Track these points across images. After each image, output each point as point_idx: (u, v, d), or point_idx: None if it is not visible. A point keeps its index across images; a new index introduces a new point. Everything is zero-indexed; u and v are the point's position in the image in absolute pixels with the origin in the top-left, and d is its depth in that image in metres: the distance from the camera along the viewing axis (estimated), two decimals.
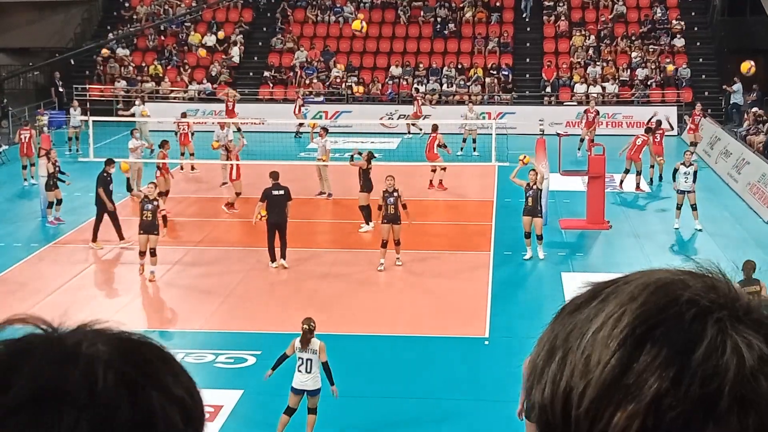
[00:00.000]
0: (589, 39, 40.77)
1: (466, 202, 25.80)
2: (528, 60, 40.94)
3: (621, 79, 38.93)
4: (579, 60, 39.86)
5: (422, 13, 42.64)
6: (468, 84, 39.09)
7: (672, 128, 31.22)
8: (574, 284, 18.07)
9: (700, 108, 32.90)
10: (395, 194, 19.85)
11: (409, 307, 17.82)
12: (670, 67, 38.38)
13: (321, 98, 38.84)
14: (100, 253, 21.10)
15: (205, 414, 1.07)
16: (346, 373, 14.11)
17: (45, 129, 30.34)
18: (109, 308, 16.78)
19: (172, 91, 39.70)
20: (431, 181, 26.64)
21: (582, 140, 31.23)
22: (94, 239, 21.24)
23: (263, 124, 31.24)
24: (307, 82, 39.40)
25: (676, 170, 22.78)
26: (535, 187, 20.19)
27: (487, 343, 16.03)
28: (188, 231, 23.01)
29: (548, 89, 38.97)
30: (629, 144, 26.96)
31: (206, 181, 27.94)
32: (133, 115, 32.55)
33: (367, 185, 22.64)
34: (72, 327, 1.04)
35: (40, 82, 42.20)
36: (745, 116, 33.72)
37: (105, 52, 39.08)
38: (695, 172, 22.67)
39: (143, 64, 40.98)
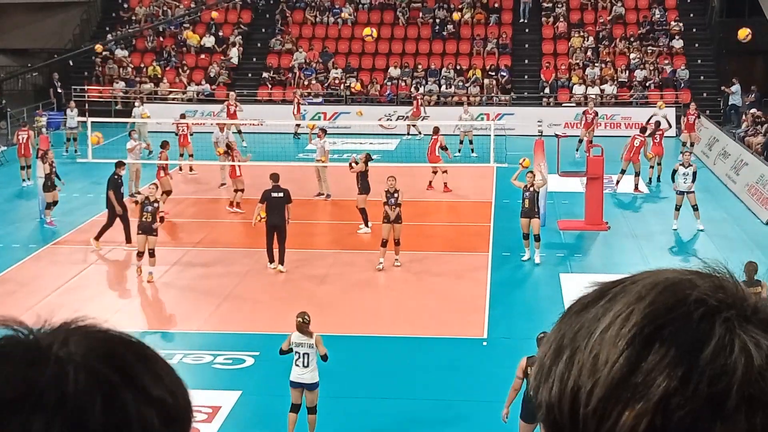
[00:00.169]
0: (587, 40, 40.78)
1: (464, 203, 25.80)
2: (526, 61, 40.94)
3: (619, 80, 38.94)
4: (577, 61, 39.87)
5: (421, 14, 42.65)
6: (466, 85, 39.09)
7: (670, 126, 31.16)
8: (572, 285, 18.15)
9: (694, 108, 32.91)
10: (396, 194, 19.88)
11: (407, 308, 17.81)
12: (665, 73, 38.37)
13: (320, 99, 38.83)
14: (99, 254, 21.06)
15: (192, 414, 1.04)
16: (344, 373, 14.12)
17: (43, 130, 30.32)
18: (107, 309, 16.76)
19: (170, 92, 39.69)
20: (430, 182, 26.64)
21: (580, 141, 31.23)
22: (97, 238, 21.11)
23: (262, 125, 31.22)
24: (306, 83, 39.40)
25: (675, 171, 22.80)
26: (531, 189, 20.19)
27: (485, 344, 16.03)
28: (187, 232, 23.01)
29: (547, 90, 38.97)
30: (627, 145, 26.99)
31: (205, 182, 27.93)
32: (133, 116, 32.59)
33: (365, 187, 22.65)
34: (53, 327, 1.02)
35: (38, 83, 42.19)
36: (744, 117, 33.73)
37: (99, 48, 38.96)
38: (694, 173, 22.69)
39: (142, 65, 40.98)
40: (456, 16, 41.80)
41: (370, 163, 23.21)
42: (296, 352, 12.38)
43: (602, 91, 38.47)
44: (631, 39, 40.52)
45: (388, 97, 38.76)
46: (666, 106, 33.11)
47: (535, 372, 1.02)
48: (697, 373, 0.92)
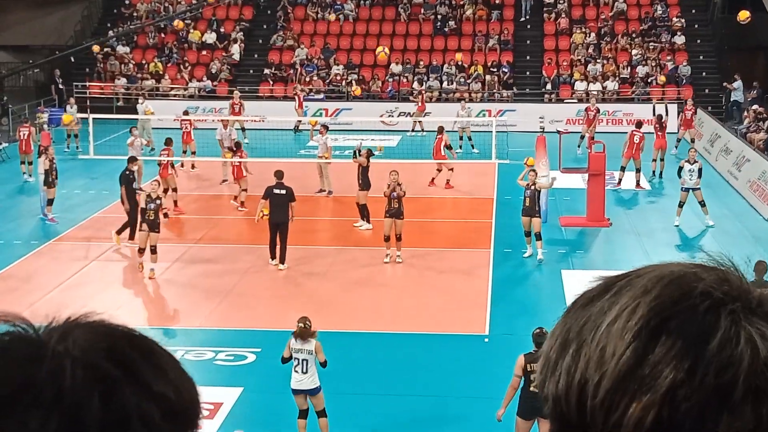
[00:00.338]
0: (589, 36, 40.74)
1: (466, 199, 25.80)
2: (528, 57, 40.91)
3: (621, 76, 38.91)
4: (579, 57, 39.83)
5: (422, 10, 42.62)
6: (468, 81, 39.07)
7: (668, 114, 30.98)
8: (574, 281, 18.15)
9: (691, 103, 32.89)
10: (398, 189, 19.88)
11: (408, 305, 17.81)
12: (662, 78, 38.21)
13: (321, 96, 38.82)
14: (99, 250, 21.06)
15: (200, 410, 1.03)
16: (345, 370, 14.12)
17: (45, 126, 30.32)
18: (108, 306, 16.76)
19: (172, 88, 39.68)
20: (433, 179, 26.60)
21: (582, 137, 31.22)
22: (119, 231, 21.07)
23: (263, 121, 31.22)
24: (308, 79, 39.39)
25: (681, 168, 22.79)
26: (533, 187, 20.14)
27: (487, 340, 16.04)
28: (188, 228, 23.01)
29: (548, 87, 38.94)
30: (626, 142, 26.93)
31: (206, 179, 27.93)
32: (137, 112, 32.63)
33: (366, 183, 22.64)
34: (59, 323, 1.01)
35: (40, 80, 42.19)
36: (745, 114, 33.69)
37: (96, 48, 38.93)
38: (700, 169, 22.71)
39: (143, 62, 40.97)
40: (467, 9, 41.71)
41: (371, 159, 23.22)
42: (295, 358, 12.29)
43: (604, 87, 38.44)
44: (633, 35, 40.48)
45: (390, 93, 38.74)
46: (667, 103, 33.11)
47: (541, 366, 1.02)
48: (704, 365, 0.92)
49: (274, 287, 19.07)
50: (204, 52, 41.37)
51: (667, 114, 30.12)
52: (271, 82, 39.74)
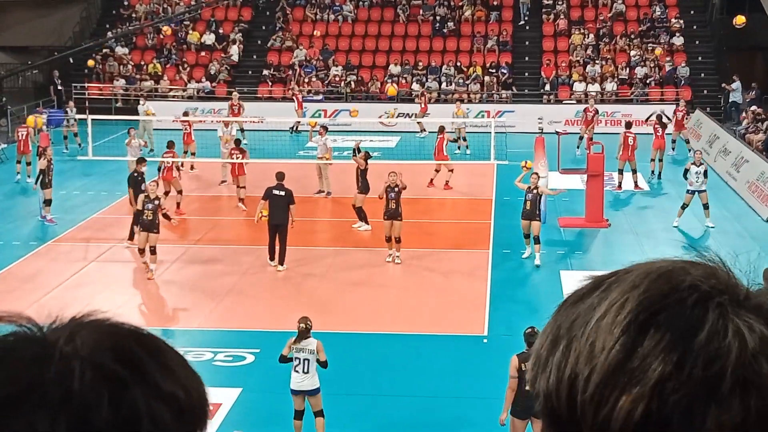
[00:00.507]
0: (588, 37, 40.75)
1: (464, 200, 25.81)
2: (527, 58, 40.93)
3: (620, 77, 38.92)
4: (578, 58, 39.84)
5: (421, 11, 42.63)
6: (467, 83, 39.08)
7: (670, 121, 30.97)
8: (573, 282, 18.00)
9: (683, 104, 32.91)
10: (396, 189, 19.90)
11: (407, 305, 17.82)
12: (658, 51, 38.31)
13: (320, 97, 38.82)
14: (98, 250, 21.05)
15: (208, 408, 1.02)
16: (344, 371, 14.12)
17: (44, 127, 30.29)
18: (107, 306, 16.65)
19: (171, 89, 39.67)
20: (432, 179, 26.59)
21: (581, 138, 31.23)
22: (131, 236, 20.89)
23: (262, 122, 31.23)
24: (306, 80, 39.38)
25: (687, 170, 22.79)
26: (535, 191, 20.08)
27: (485, 341, 16.04)
28: (187, 229, 23.00)
29: (547, 88, 38.95)
30: (621, 144, 26.83)
31: (206, 180, 27.92)
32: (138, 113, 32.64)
33: (364, 186, 22.63)
34: (63, 322, 1.00)
35: (38, 81, 42.17)
36: (744, 114, 33.71)
37: (91, 63, 38.83)
38: (705, 171, 22.78)
39: (142, 63, 40.96)
40: (466, 10, 41.72)
41: (369, 161, 23.23)
42: (296, 358, 12.23)
43: (603, 88, 38.45)
44: (632, 36, 40.50)
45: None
46: (666, 104, 33.15)
47: (532, 363, 1.03)
48: (692, 358, 0.93)
49: (274, 288, 19.08)
50: (203, 53, 41.37)
51: (669, 120, 30.20)
52: (270, 83, 39.74)
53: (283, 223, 19.49)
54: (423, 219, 22.96)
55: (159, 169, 24.28)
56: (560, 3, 42.20)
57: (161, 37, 40.78)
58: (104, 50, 40.81)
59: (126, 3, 43.78)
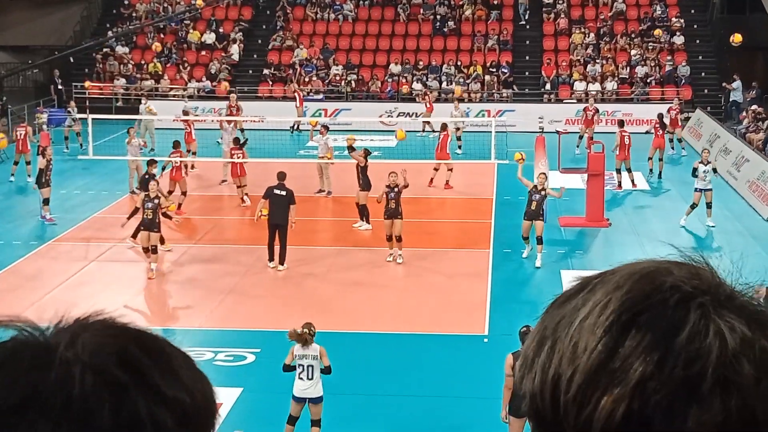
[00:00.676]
0: (588, 37, 40.75)
1: (465, 199, 25.81)
2: (527, 58, 40.92)
3: (620, 76, 38.92)
4: (578, 58, 39.84)
5: (422, 10, 42.63)
6: (467, 82, 39.07)
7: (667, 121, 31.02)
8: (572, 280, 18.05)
9: (677, 103, 32.91)
10: (396, 189, 19.90)
11: (408, 305, 17.82)
12: (658, 32, 38.36)
13: (320, 96, 38.82)
14: (99, 250, 21.04)
15: (216, 411, 1.00)
16: (344, 370, 14.11)
17: (44, 127, 30.29)
18: (108, 306, 16.64)
19: (171, 88, 39.67)
20: (432, 179, 26.59)
21: (581, 137, 31.24)
22: (163, 242, 20.44)
23: (262, 121, 31.23)
24: (307, 79, 39.39)
25: (695, 169, 22.79)
26: (543, 192, 20.01)
27: (486, 340, 16.04)
28: (188, 228, 22.99)
29: (548, 87, 38.95)
30: (618, 142, 26.72)
31: (206, 179, 27.92)
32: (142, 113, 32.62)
33: (366, 183, 22.65)
34: (66, 324, 0.99)
35: (39, 80, 42.17)
36: (744, 114, 33.70)
37: (87, 85, 38.75)
38: (714, 170, 22.81)
39: (142, 62, 40.96)
40: (467, 9, 41.72)
41: (369, 159, 23.23)
42: (299, 365, 12.06)
43: (603, 87, 38.45)
44: (632, 35, 40.49)
45: (389, 93, 38.75)
46: (666, 103, 33.17)
47: (520, 364, 1.04)
48: (673, 357, 0.93)
49: (274, 287, 19.08)
50: (203, 53, 41.36)
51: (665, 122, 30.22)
52: (271, 83, 39.75)
53: (283, 222, 19.47)
54: (423, 219, 22.95)
55: (163, 168, 24.26)
56: (561, 2, 42.20)
57: (173, 28, 40.66)
58: (105, 49, 40.80)
59: (126, 2, 43.78)
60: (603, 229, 22.46)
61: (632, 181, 26.80)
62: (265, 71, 40.14)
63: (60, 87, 39.06)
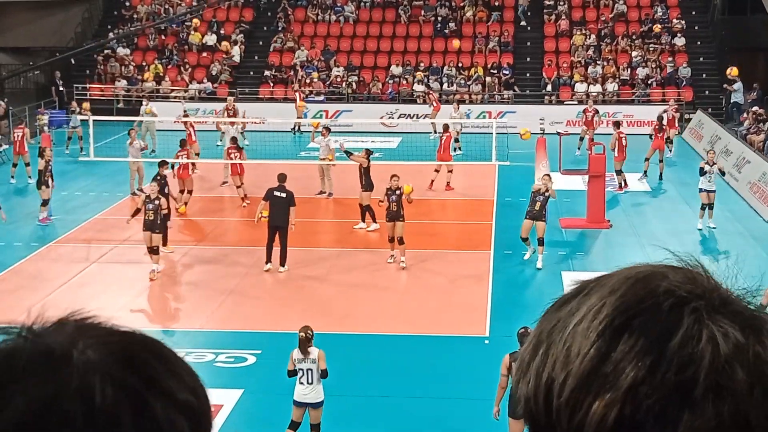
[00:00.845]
0: (589, 38, 40.76)
1: (466, 201, 25.80)
2: (528, 59, 40.92)
3: (621, 78, 38.92)
4: (580, 59, 39.85)
5: (423, 12, 42.64)
6: (468, 83, 39.08)
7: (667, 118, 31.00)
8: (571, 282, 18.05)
9: (673, 104, 32.88)
10: (398, 192, 19.90)
11: (409, 306, 17.82)
12: (656, 28, 38.37)
13: (321, 97, 38.83)
14: (100, 251, 21.05)
15: (212, 409, 1.01)
16: (345, 372, 14.12)
17: (45, 128, 30.29)
18: (109, 307, 16.76)
19: (172, 90, 39.69)
20: (432, 181, 26.55)
21: (581, 139, 31.23)
22: (165, 243, 20.37)
23: (263, 123, 31.23)
24: (308, 81, 39.40)
25: (702, 169, 22.78)
26: (546, 193, 20.00)
27: (487, 342, 16.04)
28: (189, 230, 23.01)
29: (549, 88, 38.96)
30: (616, 144, 26.65)
31: (207, 180, 27.91)
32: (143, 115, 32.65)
33: (368, 184, 22.64)
34: (52, 323, 0.97)
35: (40, 82, 42.18)
36: (744, 115, 33.69)
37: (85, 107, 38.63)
38: (720, 170, 22.83)
39: (144, 64, 40.98)
40: (467, 11, 41.70)
41: (371, 159, 23.23)
42: (299, 369, 12.03)
43: (604, 89, 38.45)
44: (633, 37, 40.50)
45: (390, 95, 38.76)
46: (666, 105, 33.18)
47: (516, 368, 1.04)
48: (665, 362, 0.93)
49: (275, 289, 19.08)
50: (204, 54, 41.38)
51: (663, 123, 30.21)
52: (272, 84, 39.76)
53: (284, 224, 19.44)
54: (424, 220, 22.95)
55: (172, 167, 24.25)
56: (562, 3, 42.20)
57: (162, 38, 40.80)
58: (106, 51, 40.82)
59: (128, 4, 43.81)
60: (604, 231, 22.45)
61: (624, 182, 26.68)
62: (266, 73, 40.15)
63: (61, 89, 39.08)
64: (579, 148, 30.88)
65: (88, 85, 39.42)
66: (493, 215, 23.97)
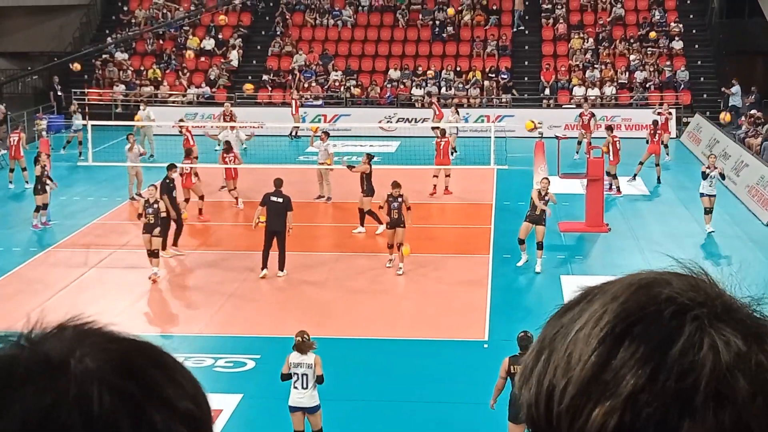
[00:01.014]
0: (587, 42, 40.79)
1: (465, 205, 25.80)
2: (526, 63, 40.96)
3: (620, 81, 38.95)
4: (577, 63, 39.87)
5: (421, 16, 42.67)
6: (467, 87, 39.10)
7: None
8: (573, 287, 18.05)
9: (665, 108, 32.89)
10: (399, 199, 19.85)
11: (408, 311, 17.82)
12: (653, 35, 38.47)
13: (320, 102, 38.85)
14: (99, 256, 21.04)
15: (213, 417, 1.00)
16: (345, 376, 14.12)
17: (44, 133, 30.29)
18: (108, 312, 16.76)
19: (170, 95, 39.70)
20: (435, 186, 26.48)
21: (579, 143, 31.25)
22: (164, 248, 20.32)
23: (262, 127, 31.25)
24: (306, 85, 39.42)
25: (704, 173, 22.78)
26: (547, 198, 19.98)
27: (486, 346, 16.03)
28: (188, 234, 22.97)
29: (547, 92, 38.98)
30: (611, 147, 26.58)
31: (205, 185, 27.84)
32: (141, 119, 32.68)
33: (369, 189, 22.60)
34: (51, 330, 0.96)
35: (38, 87, 42.20)
36: (742, 118, 33.72)
37: (77, 66, 38.70)
38: (721, 174, 22.84)
39: (142, 68, 41.00)
40: (450, 11, 41.68)
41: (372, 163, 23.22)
42: (294, 373, 11.96)
43: (602, 92, 38.47)
44: (631, 40, 40.53)
45: (388, 99, 38.77)
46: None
47: (519, 374, 1.04)
48: (666, 370, 0.92)
49: (274, 293, 19.07)
50: (202, 59, 41.40)
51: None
52: (270, 88, 39.77)
53: (281, 229, 19.38)
54: (423, 224, 22.94)
55: (181, 175, 24.27)
56: (559, 7, 42.24)
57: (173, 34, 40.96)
58: (104, 56, 40.84)
59: (126, 9, 43.83)
60: (603, 235, 22.46)
61: (617, 187, 26.61)
62: (265, 77, 40.17)
63: (59, 93, 39.09)
64: (577, 152, 30.89)
65: (86, 90, 39.43)
66: (492, 219, 23.97)
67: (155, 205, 19.50)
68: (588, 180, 22.96)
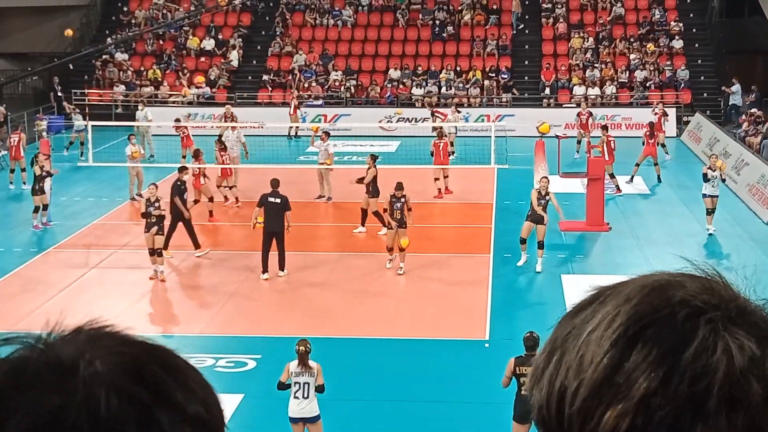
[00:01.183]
0: (587, 41, 40.78)
1: (465, 204, 25.80)
2: (527, 62, 40.95)
3: (620, 80, 38.94)
4: (578, 62, 39.86)
5: (421, 16, 42.67)
6: (467, 87, 39.09)
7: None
8: (573, 286, 18.12)
9: (661, 107, 32.88)
10: (402, 200, 19.84)
11: (409, 310, 17.82)
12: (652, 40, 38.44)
13: (320, 101, 38.84)
14: (99, 257, 21.05)
15: (225, 422, 0.99)
16: (346, 376, 14.13)
17: (44, 134, 30.29)
18: (109, 312, 16.74)
19: (170, 95, 39.70)
20: (439, 189, 26.45)
21: (579, 142, 31.25)
22: (166, 248, 20.27)
23: (262, 127, 31.26)
24: (306, 85, 39.42)
25: (705, 174, 22.77)
26: (547, 197, 19.99)
27: (487, 345, 16.04)
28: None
29: (547, 91, 38.98)
30: (605, 147, 26.53)
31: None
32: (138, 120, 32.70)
33: (374, 190, 22.56)
34: (68, 332, 0.96)
35: (38, 87, 42.19)
36: (743, 117, 33.70)
37: (69, 32, 38.65)
38: (721, 178, 22.86)
39: (142, 69, 41.00)
40: (465, 14, 41.70)
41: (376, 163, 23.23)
42: (295, 383, 11.83)
43: (603, 91, 38.46)
44: (631, 39, 40.52)
45: (388, 99, 38.76)
46: (665, 107, 33.18)
47: (530, 375, 1.03)
48: (679, 374, 0.92)
49: (274, 293, 19.07)
50: (202, 59, 41.40)
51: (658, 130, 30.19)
52: (270, 89, 39.77)
53: (279, 230, 19.33)
54: (424, 224, 22.94)
55: (193, 175, 24.30)
56: (559, 7, 42.23)
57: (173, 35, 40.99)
58: (104, 56, 40.84)
59: (125, 9, 43.83)
60: (603, 234, 22.45)
61: (617, 185, 26.60)
62: (265, 77, 40.17)
63: (60, 94, 39.07)
64: (578, 151, 30.89)
65: (86, 91, 39.43)
66: (492, 219, 23.97)
67: (156, 204, 19.50)
68: (588, 179, 22.95)
